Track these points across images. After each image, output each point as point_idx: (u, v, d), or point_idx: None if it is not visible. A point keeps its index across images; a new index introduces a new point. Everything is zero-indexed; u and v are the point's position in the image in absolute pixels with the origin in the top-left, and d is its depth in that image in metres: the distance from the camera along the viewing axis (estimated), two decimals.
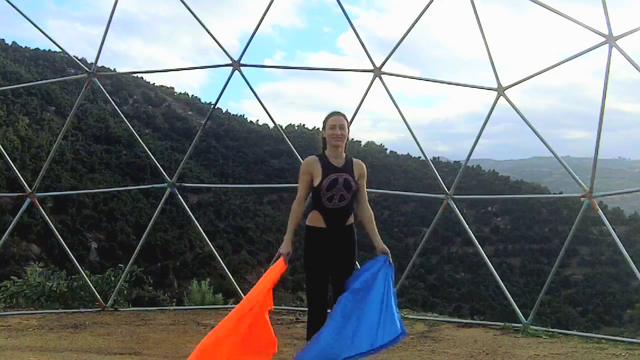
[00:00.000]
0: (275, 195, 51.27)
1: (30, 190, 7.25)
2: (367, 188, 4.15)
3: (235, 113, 77.17)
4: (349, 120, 4.08)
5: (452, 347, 5.36)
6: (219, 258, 7.86)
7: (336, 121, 3.97)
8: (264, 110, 7.41)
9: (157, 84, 69.50)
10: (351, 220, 4.03)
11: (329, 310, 3.97)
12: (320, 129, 4.10)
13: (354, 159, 4.07)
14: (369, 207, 4.10)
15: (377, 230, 4.05)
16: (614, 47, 5.74)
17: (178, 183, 7.45)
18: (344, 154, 4.03)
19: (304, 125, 63.66)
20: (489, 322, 6.52)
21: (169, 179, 7.34)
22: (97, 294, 7.19)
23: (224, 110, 66.17)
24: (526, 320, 6.17)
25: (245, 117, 69.41)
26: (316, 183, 3.90)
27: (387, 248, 3.98)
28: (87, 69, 7.34)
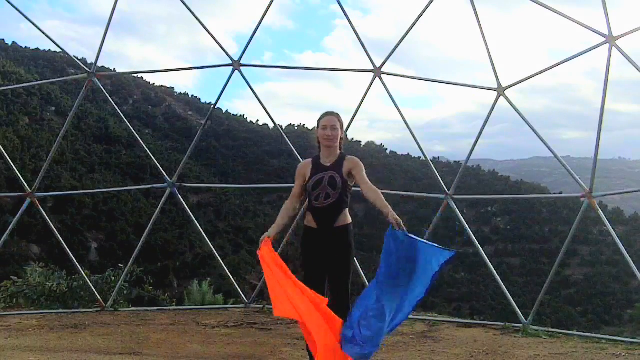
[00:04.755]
0: (275, 195, 51.18)
1: (30, 190, 7.25)
2: None
3: (235, 113, 77.21)
4: (342, 120, 4.06)
5: (452, 347, 5.36)
6: (219, 258, 7.85)
7: (328, 122, 3.97)
8: (263, 110, 7.41)
9: (157, 84, 69.62)
10: (344, 220, 3.94)
11: None
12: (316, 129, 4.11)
13: (348, 157, 3.98)
14: (373, 186, 3.85)
15: (385, 202, 3.73)
16: (613, 47, 5.74)
17: (178, 183, 7.45)
18: (337, 153, 4.00)
19: (304, 125, 63.61)
20: (489, 322, 6.51)
21: (169, 179, 7.34)
22: (97, 294, 7.19)
23: (224, 110, 66.27)
24: (526, 320, 6.17)
25: (245, 117, 69.51)
26: (307, 184, 3.95)
27: (396, 216, 3.64)
28: (87, 69, 7.34)
